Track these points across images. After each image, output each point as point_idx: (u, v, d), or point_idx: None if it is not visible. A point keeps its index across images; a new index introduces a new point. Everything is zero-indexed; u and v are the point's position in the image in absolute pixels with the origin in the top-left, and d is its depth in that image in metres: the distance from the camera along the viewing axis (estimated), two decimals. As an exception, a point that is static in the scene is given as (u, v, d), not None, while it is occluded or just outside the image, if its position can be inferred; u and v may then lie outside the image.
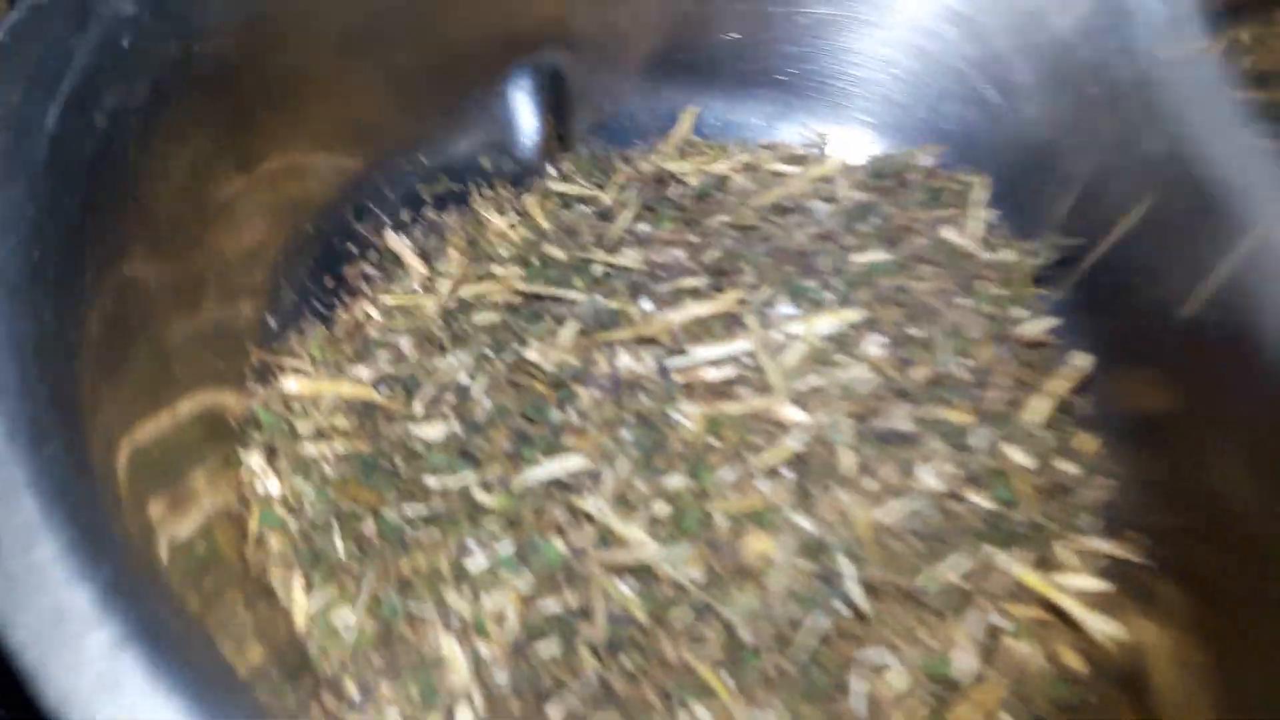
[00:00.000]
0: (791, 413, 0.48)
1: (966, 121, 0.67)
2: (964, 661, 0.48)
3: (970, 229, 0.54)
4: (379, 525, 0.51)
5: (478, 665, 0.48)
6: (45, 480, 0.39)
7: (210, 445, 0.53)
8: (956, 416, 0.49)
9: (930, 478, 0.48)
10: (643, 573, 0.47)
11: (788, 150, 0.65)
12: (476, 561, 0.49)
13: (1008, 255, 0.55)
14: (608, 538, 0.48)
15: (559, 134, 0.70)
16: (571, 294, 0.54)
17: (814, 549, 0.47)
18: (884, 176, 0.56)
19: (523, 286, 0.56)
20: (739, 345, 0.50)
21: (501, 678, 0.47)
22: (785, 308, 0.50)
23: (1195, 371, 0.57)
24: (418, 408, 0.54)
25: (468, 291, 0.60)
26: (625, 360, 0.50)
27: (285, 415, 0.55)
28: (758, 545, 0.47)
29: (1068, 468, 0.55)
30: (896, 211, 0.53)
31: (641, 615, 0.47)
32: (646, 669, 0.47)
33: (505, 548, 0.49)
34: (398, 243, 0.64)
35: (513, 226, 0.65)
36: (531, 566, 0.48)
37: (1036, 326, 0.54)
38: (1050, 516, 0.54)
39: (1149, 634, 0.54)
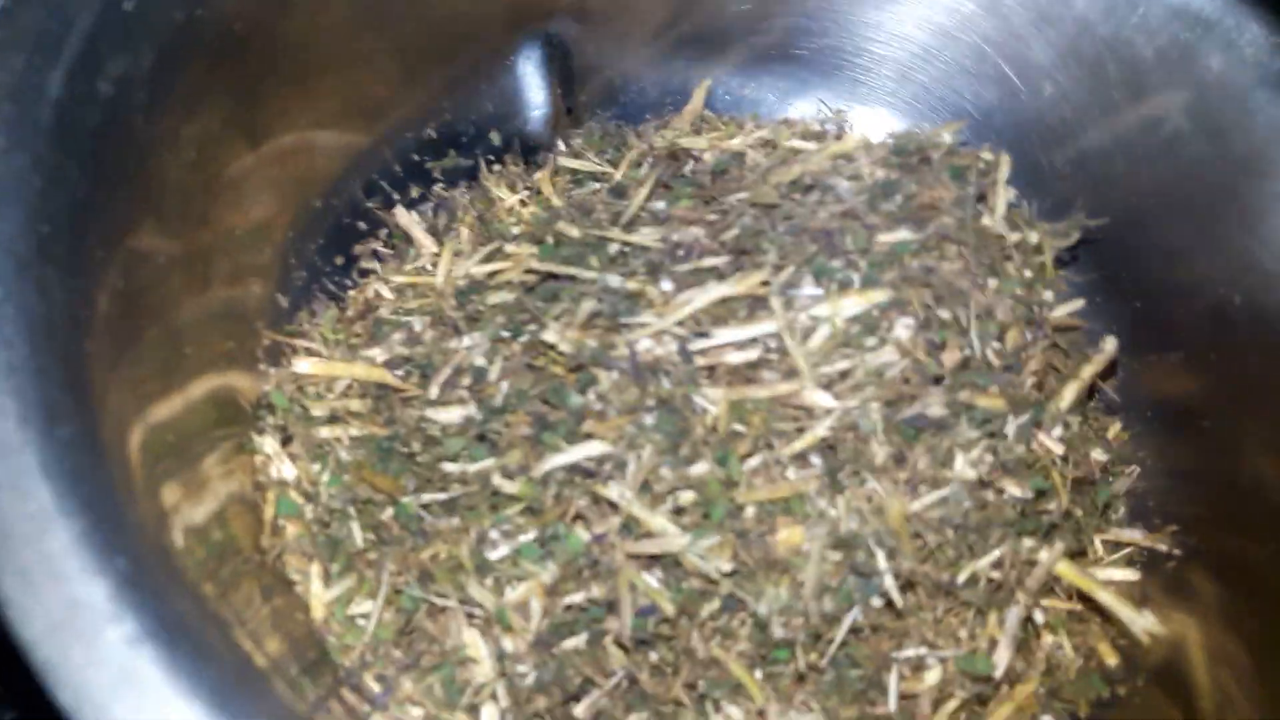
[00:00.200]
0: (819, 398, 0.47)
1: (984, 99, 0.66)
2: (1002, 659, 0.47)
3: (997, 209, 0.53)
4: (397, 513, 0.50)
5: (501, 659, 0.47)
6: (58, 466, 0.38)
7: (223, 429, 0.52)
8: (989, 403, 0.48)
9: (965, 467, 0.47)
10: (669, 564, 0.46)
11: (805, 127, 0.64)
12: (498, 551, 0.48)
13: (1033, 236, 0.54)
14: (632, 527, 0.47)
15: (569, 108, 0.69)
16: (588, 273, 0.53)
17: (846, 541, 0.46)
18: (907, 154, 0.55)
19: (537, 265, 0.55)
20: (763, 327, 0.48)
21: (526, 673, 0.46)
22: (809, 288, 0.49)
23: (1222, 356, 0.57)
24: (433, 390, 0.53)
25: (480, 270, 0.59)
26: (646, 342, 0.49)
27: (298, 398, 0.54)
28: (788, 536, 0.46)
29: (1098, 455, 0.54)
30: (921, 190, 0.52)
31: (670, 608, 0.46)
32: (676, 665, 0.46)
33: (527, 536, 0.48)
34: (408, 219, 0.63)
35: (524, 203, 0.64)
36: (555, 556, 0.47)
37: (1066, 309, 0.53)
38: (1082, 506, 0.53)
39: (1181, 624, 0.53)
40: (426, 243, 0.62)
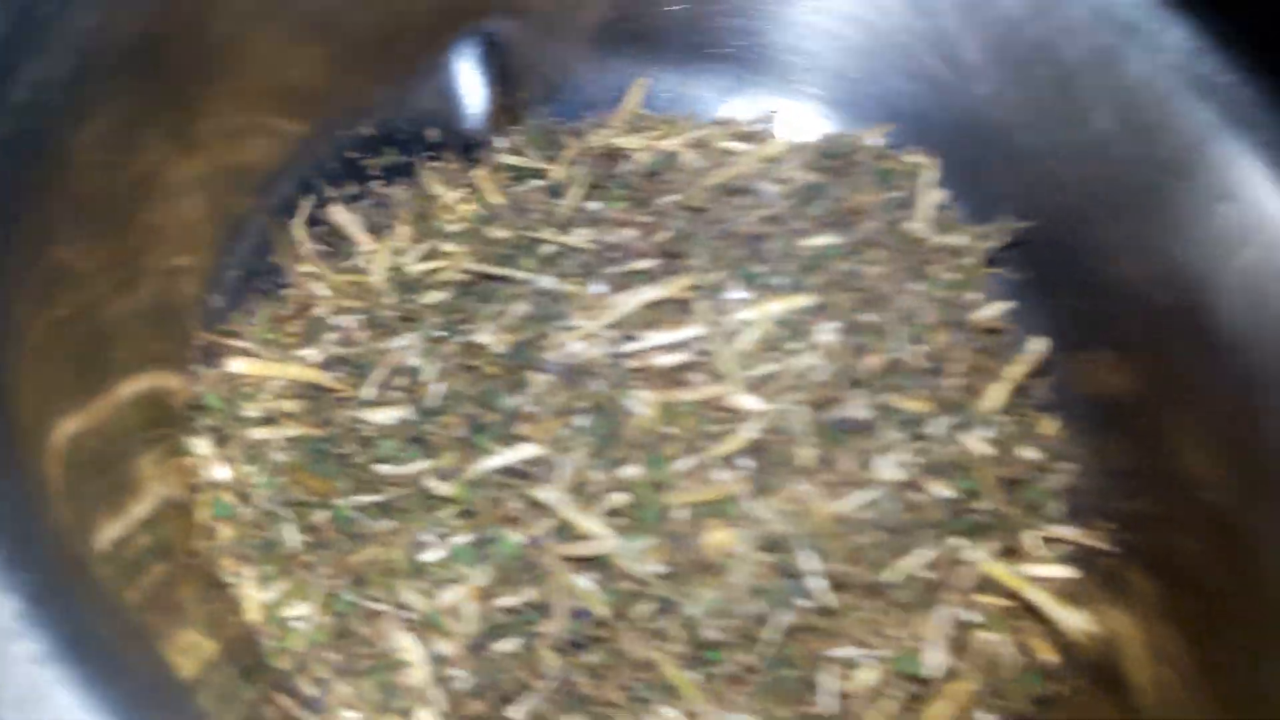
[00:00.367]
0: (746, 401, 0.48)
1: (918, 99, 0.66)
2: (934, 658, 0.48)
3: (921, 212, 0.54)
4: (331, 515, 0.50)
5: (436, 664, 0.47)
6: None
7: (155, 431, 0.52)
8: (913, 405, 0.49)
9: (890, 469, 0.48)
10: (603, 566, 0.47)
11: (738, 127, 0.65)
12: (432, 554, 0.48)
13: (959, 238, 0.55)
14: (565, 530, 0.47)
15: (507, 105, 0.68)
16: (521, 274, 0.53)
17: (775, 542, 0.47)
18: (833, 157, 0.56)
19: (472, 265, 0.55)
20: (691, 331, 0.49)
21: (462, 677, 0.47)
22: (737, 292, 0.50)
23: (1155, 353, 0.58)
24: (368, 391, 0.53)
25: (417, 268, 0.59)
26: (577, 345, 0.50)
27: (232, 398, 0.54)
28: (718, 538, 0.46)
29: (1030, 454, 0.55)
30: (846, 194, 0.53)
31: (603, 610, 0.46)
32: (610, 667, 0.47)
33: (462, 539, 0.48)
34: (344, 217, 0.63)
35: (462, 201, 0.64)
36: (489, 559, 0.48)
37: (991, 311, 0.54)
38: (1014, 505, 0.54)
39: (1120, 622, 0.54)
40: (364, 240, 0.62)
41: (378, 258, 0.60)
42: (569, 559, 0.47)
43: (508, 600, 0.47)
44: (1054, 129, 0.61)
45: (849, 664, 0.48)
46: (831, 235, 0.51)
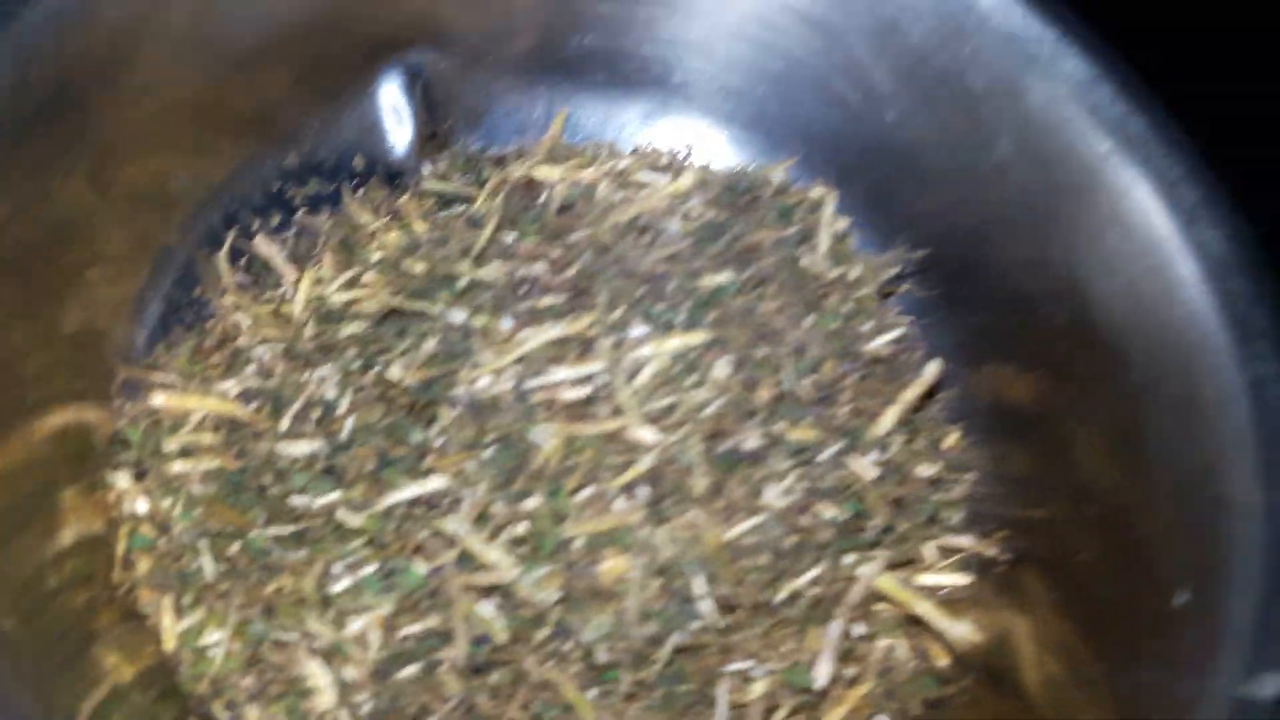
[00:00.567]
0: (644, 433, 0.50)
1: (831, 124, 0.68)
2: (823, 669, 0.50)
3: (819, 246, 0.56)
4: (245, 546, 0.52)
5: (343, 689, 0.49)
6: None
7: (76, 466, 0.53)
8: (802, 434, 0.51)
9: (778, 495, 0.50)
10: (503, 593, 0.49)
11: (655, 157, 0.67)
12: (341, 584, 0.50)
13: (855, 270, 0.57)
14: (468, 559, 0.49)
15: (433, 133, 0.70)
16: (436, 308, 0.55)
17: (667, 569, 0.49)
18: (738, 193, 0.58)
19: (388, 299, 0.57)
20: (593, 366, 0.51)
21: (367, 702, 0.49)
22: (637, 329, 0.52)
23: (1052, 365, 0.60)
24: (284, 423, 0.55)
25: (338, 299, 0.60)
26: (484, 380, 0.51)
27: (153, 432, 0.56)
28: (613, 566, 0.48)
29: (926, 470, 0.57)
30: (747, 230, 0.55)
31: (503, 636, 0.48)
32: (511, 688, 0.49)
33: (369, 569, 0.50)
34: (268, 248, 0.64)
35: (386, 229, 0.66)
36: (394, 588, 0.49)
37: (882, 340, 0.56)
38: (910, 519, 0.56)
39: (1013, 624, 0.56)
40: (287, 271, 0.63)
41: (300, 288, 0.62)
42: (471, 587, 0.49)
43: (412, 628, 0.49)
44: (960, 154, 0.63)
45: (743, 678, 0.50)
46: (729, 273, 0.53)
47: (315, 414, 0.55)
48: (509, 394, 0.51)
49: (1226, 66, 0.82)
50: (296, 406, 0.55)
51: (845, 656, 0.52)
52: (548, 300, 0.54)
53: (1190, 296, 0.53)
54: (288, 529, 0.52)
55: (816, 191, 0.61)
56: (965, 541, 0.57)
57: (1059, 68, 0.60)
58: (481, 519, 0.49)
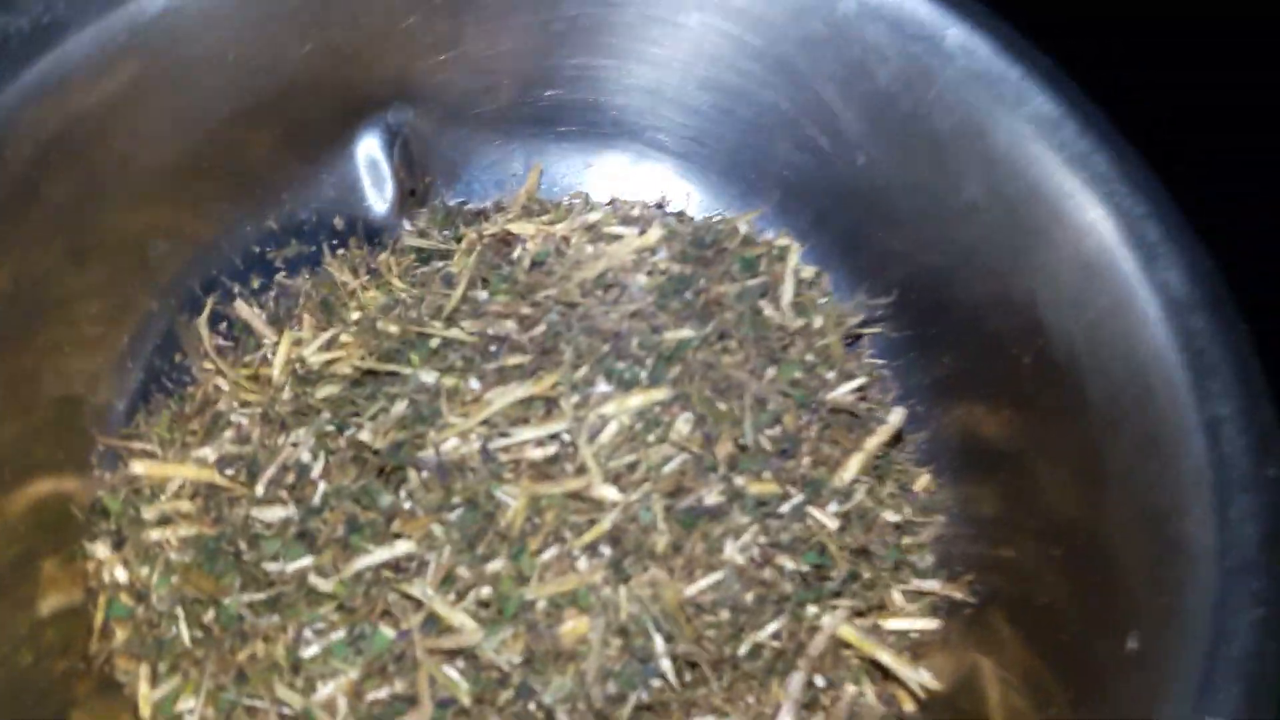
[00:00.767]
0: (606, 491, 0.50)
1: (804, 170, 0.69)
2: (788, 721, 0.51)
3: (783, 296, 0.57)
4: (219, 613, 0.53)
5: (310, 756, 0.49)
6: None
7: (53, 537, 0.54)
8: (761, 488, 0.51)
9: (737, 550, 0.50)
10: (468, 656, 0.49)
11: (628, 209, 0.67)
12: (311, 649, 0.50)
13: (818, 320, 0.57)
14: (434, 623, 0.50)
15: (412, 190, 0.71)
16: (407, 369, 0.56)
17: (626, 628, 0.49)
18: (704, 246, 0.59)
19: (362, 360, 0.58)
20: (557, 426, 0.52)
21: (334, 769, 0.49)
22: (601, 387, 0.53)
23: (1020, 404, 0.61)
24: (260, 488, 0.56)
25: (316, 360, 0.61)
26: (451, 442, 0.52)
27: (132, 500, 0.56)
28: (574, 627, 0.49)
29: (892, 515, 0.57)
30: (710, 284, 0.56)
31: (466, 699, 0.49)
32: (478, 752, 0.49)
33: (338, 634, 0.50)
34: (248, 312, 0.65)
35: (365, 287, 0.67)
36: (363, 653, 0.50)
37: (845, 389, 0.57)
38: (875, 566, 0.56)
39: (981, 665, 0.56)
40: (267, 333, 0.64)
41: (279, 351, 0.63)
42: (436, 651, 0.49)
43: (379, 693, 0.50)
44: (929, 196, 0.64)
45: (708, 735, 0.50)
46: (690, 328, 0.54)
47: (290, 478, 0.55)
48: (475, 455, 0.52)
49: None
50: (271, 471, 0.56)
51: (810, 705, 0.52)
52: (515, 359, 0.54)
53: (1151, 335, 0.53)
54: (261, 595, 0.52)
55: (782, 241, 0.62)
56: (933, 585, 0.57)
57: (1025, 106, 0.60)
58: (447, 581, 0.50)
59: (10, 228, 0.52)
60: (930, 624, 0.57)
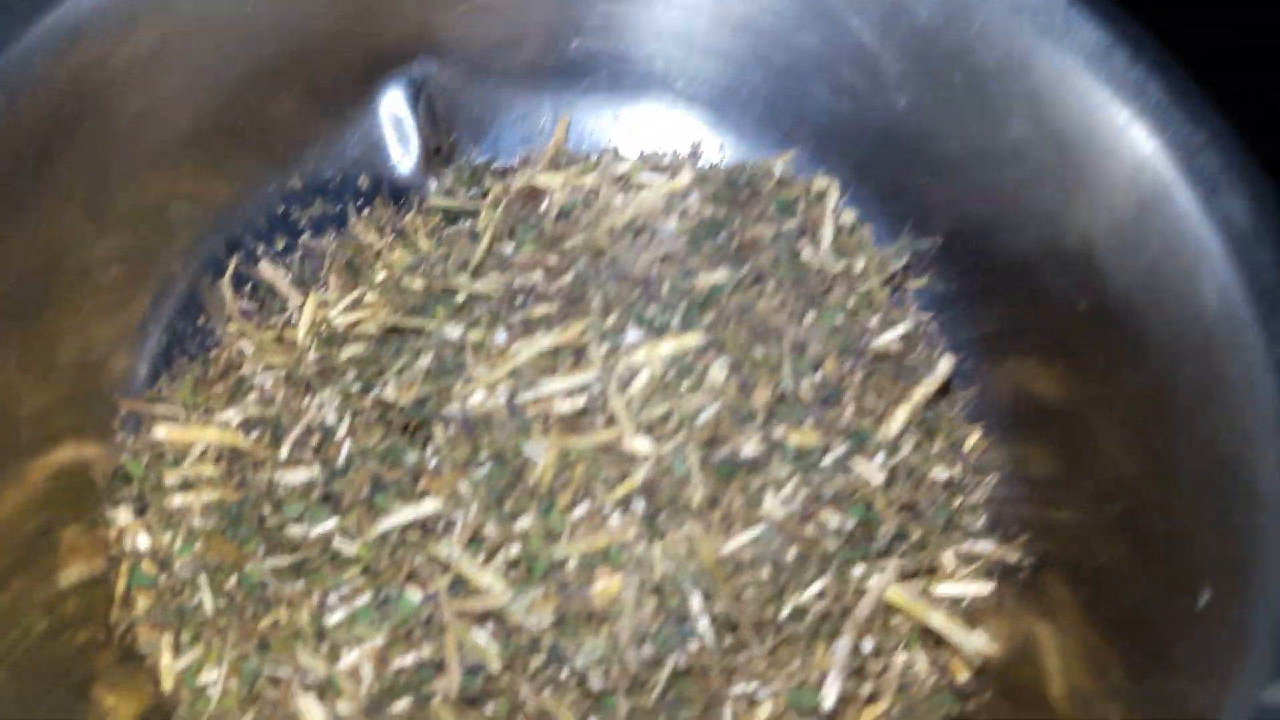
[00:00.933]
0: (639, 444, 0.48)
1: (841, 116, 0.66)
2: (831, 690, 0.48)
3: (822, 239, 0.54)
4: (241, 580, 0.51)
5: (337, 723, 0.48)
6: None
7: (74, 505, 0.53)
8: (803, 438, 0.48)
9: (777, 504, 0.48)
10: (497, 620, 0.47)
11: (658, 160, 0.65)
12: (335, 615, 0.49)
13: (860, 262, 0.54)
14: (461, 584, 0.48)
15: (438, 147, 0.69)
16: (432, 324, 0.54)
17: (662, 587, 0.47)
18: (737, 188, 0.56)
19: (387, 318, 0.56)
20: (586, 376, 0.49)
21: (358, 736, 0.47)
22: (631, 334, 0.50)
23: (1075, 358, 0.58)
24: (284, 451, 0.54)
25: (341, 321, 0.60)
26: (478, 395, 0.50)
27: (154, 466, 0.55)
28: (606, 587, 0.47)
29: (942, 473, 0.55)
30: (745, 226, 0.53)
31: (496, 664, 0.47)
32: (506, 718, 0.47)
33: (363, 599, 0.49)
34: (272, 273, 0.64)
35: (391, 248, 0.65)
36: (388, 618, 0.48)
37: (889, 335, 0.54)
38: (925, 524, 0.54)
39: (1038, 633, 0.54)
40: (292, 295, 0.63)
41: (304, 312, 0.61)
42: (464, 614, 0.47)
43: (404, 659, 0.48)
44: (973, 138, 0.61)
45: (748, 701, 0.48)
46: (725, 270, 0.51)
47: (314, 440, 0.54)
48: (502, 409, 0.50)
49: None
50: (296, 433, 0.54)
51: (858, 673, 0.50)
52: (542, 309, 0.52)
53: (1214, 271, 0.50)
54: (285, 560, 0.51)
55: (820, 182, 0.59)
56: (986, 547, 0.54)
57: (1071, 37, 0.57)
58: (475, 541, 0.48)
59: (29, 186, 0.51)
60: (984, 588, 0.54)
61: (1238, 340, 0.48)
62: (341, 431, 0.53)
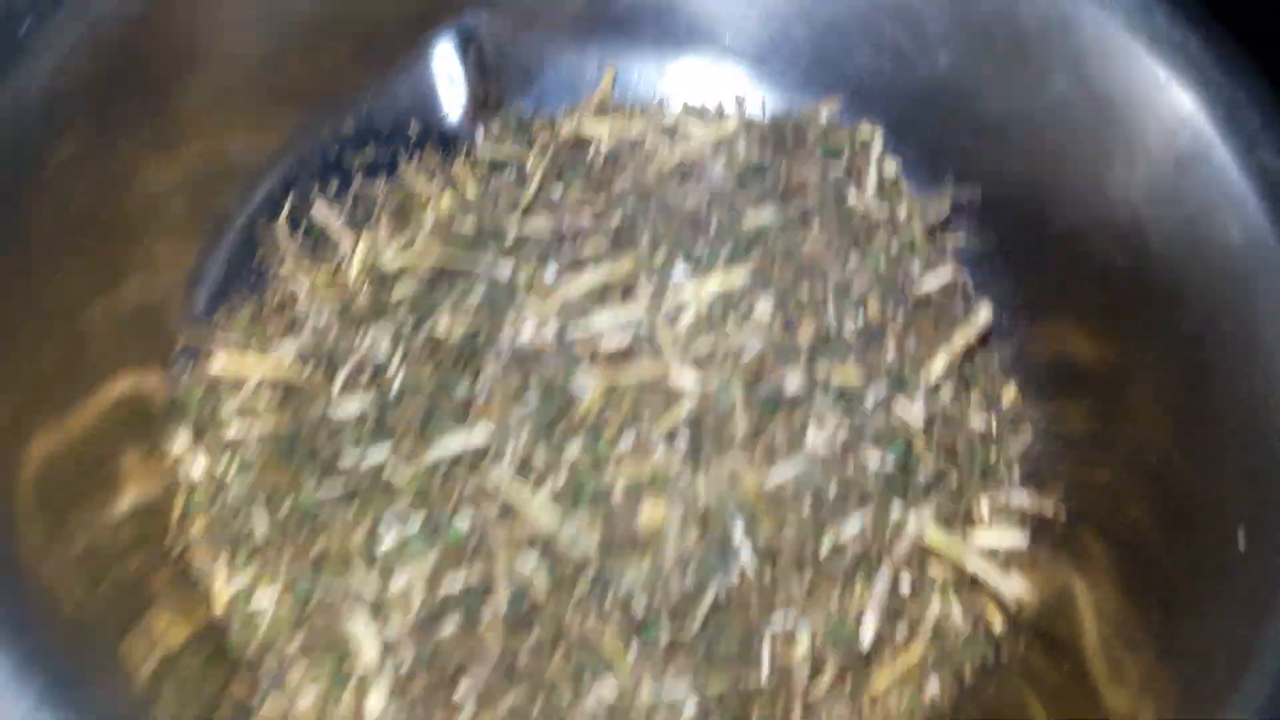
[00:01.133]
0: (685, 378, 0.49)
1: (883, 74, 0.67)
2: (869, 628, 0.49)
3: (867, 184, 0.55)
4: (296, 506, 0.53)
5: (385, 646, 0.49)
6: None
7: (133, 432, 0.54)
8: (846, 376, 0.50)
9: (820, 440, 0.49)
10: (545, 545, 0.49)
11: (705, 110, 0.66)
12: (386, 541, 0.50)
13: (903, 209, 0.55)
14: (510, 511, 0.49)
15: (486, 96, 0.70)
16: (482, 263, 0.55)
17: (706, 516, 0.48)
18: (784, 133, 0.57)
19: (438, 258, 0.57)
20: (633, 311, 0.51)
21: (408, 657, 0.49)
22: (679, 272, 0.51)
23: (1112, 315, 0.58)
24: (337, 385, 0.55)
25: (392, 264, 0.61)
26: (528, 330, 0.51)
27: (210, 397, 0.57)
28: (651, 514, 0.48)
29: (977, 421, 0.56)
30: (792, 169, 0.54)
31: (542, 589, 0.48)
32: (550, 643, 0.49)
33: (413, 525, 0.50)
34: (325, 214, 0.65)
35: (440, 194, 0.66)
36: (438, 543, 0.50)
37: (932, 281, 0.55)
38: (963, 471, 0.55)
39: (1072, 586, 0.55)
40: (344, 237, 0.64)
41: (356, 254, 0.62)
42: (512, 540, 0.49)
43: (453, 583, 0.49)
44: (1015, 97, 0.62)
45: (788, 634, 0.49)
46: (772, 210, 0.52)
47: (366, 374, 0.55)
48: (551, 343, 0.51)
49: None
50: (349, 367, 0.56)
51: (895, 616, 0.51)
52: (590, 247, 0.54)
53: (1252, 224, 0.51)
54: (337, 488, 0.52)
55: (865, 129, 0.60)
56: (1021, 497, 0.55)
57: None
58: (523, 469, 0.49)
59: (104, 115, 0.52)
60: (1018, 539, 0.55)
61: (1276, 295, 0.49)
62: (393, 366, 0.55)
